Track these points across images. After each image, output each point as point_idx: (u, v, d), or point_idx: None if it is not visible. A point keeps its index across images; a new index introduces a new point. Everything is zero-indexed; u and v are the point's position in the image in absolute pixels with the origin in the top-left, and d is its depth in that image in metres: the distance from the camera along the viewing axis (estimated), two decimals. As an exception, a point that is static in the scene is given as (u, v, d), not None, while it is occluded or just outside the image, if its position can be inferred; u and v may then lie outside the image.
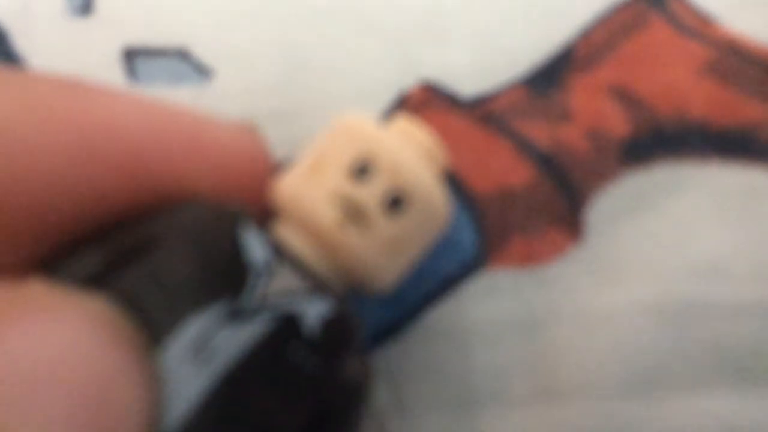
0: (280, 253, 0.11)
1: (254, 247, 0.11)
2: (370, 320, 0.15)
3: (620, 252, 0.15)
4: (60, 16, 0.17)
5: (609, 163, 0.16)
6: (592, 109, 0.16)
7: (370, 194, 0.12)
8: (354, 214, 0.12)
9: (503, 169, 0.16)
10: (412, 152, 0.12)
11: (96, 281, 0.10)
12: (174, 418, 0.10)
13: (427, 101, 0.16)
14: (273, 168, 0.13)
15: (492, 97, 0.16)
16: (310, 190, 0.12)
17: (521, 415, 0.14)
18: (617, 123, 0.16)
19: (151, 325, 0.10)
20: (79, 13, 0.17)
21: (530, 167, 0.16)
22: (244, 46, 0.17)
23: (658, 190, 0.15)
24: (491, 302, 0.15)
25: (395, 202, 0.12)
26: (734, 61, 0.16)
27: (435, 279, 0.15)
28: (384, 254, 0.12)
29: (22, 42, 0.17)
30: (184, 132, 0.12)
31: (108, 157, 0.11)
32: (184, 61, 0.17)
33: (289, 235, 0.12)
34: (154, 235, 0.11)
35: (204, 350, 0.10)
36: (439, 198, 0.12)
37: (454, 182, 0.15)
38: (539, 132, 0.16)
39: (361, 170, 0.12)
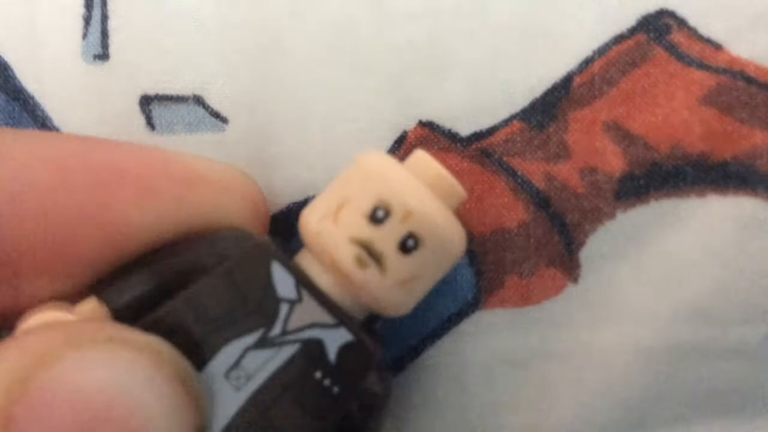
0: (305, 284, 0.13)
1: (284, 281, 0.13)
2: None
3: (614, 292, 0.16)
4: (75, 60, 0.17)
5: (605, 201, 0.16)
6: (588, 145, 0.16)
7: (387, 238, 0.13)
8: (372, 255, 0.13)
9: (499, 209, 0.16)
10: (427, 193, 0.13)
11: (146, 306, 0.13)
12: None
13: (425, 141, 0.17)
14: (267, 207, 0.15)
15: (489, 132, 0.16)
16: (334, 232, 0.13)
17: None
18: (612, 160, 0.16)
19: (194, 353, 0.12)
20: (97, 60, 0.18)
21: (526, 207, 0.16)
22: (253, 91, 0.17)
23: (654, 227, 0.16)
24: (486, 340, 0.16)
25: (411, 243, 0.13)
26: (739, 86, 0.16)
27: (436, 319, 0.16)
28: (400, 290, 0.13)
29: (30, 82, 0.17)
30: (213, 183, 0.14)
31: (164, 213, 0.14)
32: (201, 107, 0.18)
33: (313, 270, 0.14)
34: (196, 263, 0.13)
35: (239, 373, 0.12)
36: (452, 234, 0.14)
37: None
38: (536, 169, 0.16)
39: (379, 215, 0.13)
